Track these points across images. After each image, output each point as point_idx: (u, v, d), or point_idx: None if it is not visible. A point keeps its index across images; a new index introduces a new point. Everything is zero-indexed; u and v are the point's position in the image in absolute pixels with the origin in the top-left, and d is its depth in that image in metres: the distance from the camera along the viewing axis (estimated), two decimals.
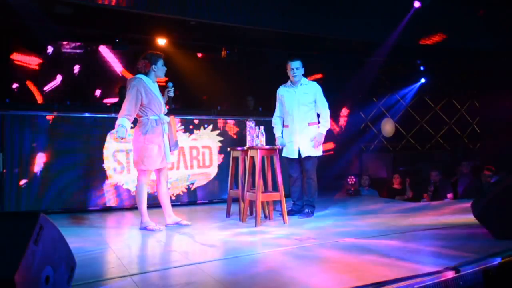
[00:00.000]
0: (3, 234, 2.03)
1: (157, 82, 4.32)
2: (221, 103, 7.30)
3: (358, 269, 2.76)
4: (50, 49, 8.11)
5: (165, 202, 4.37)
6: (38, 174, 5.23)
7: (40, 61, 7.90)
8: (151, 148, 4.10)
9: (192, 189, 6.08)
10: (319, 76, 8.71)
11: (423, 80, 9.81)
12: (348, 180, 7.73)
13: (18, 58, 7.67)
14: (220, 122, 6.32)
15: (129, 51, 7.71)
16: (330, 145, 8.62)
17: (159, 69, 4.22)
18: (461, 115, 10.66)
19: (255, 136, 4.54)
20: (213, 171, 6.22)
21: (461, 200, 6.45)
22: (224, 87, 8.20)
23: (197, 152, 6.14)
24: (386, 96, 9.84)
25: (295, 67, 4.78)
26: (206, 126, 6.20)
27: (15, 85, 7.73)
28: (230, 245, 3.59)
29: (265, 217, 4.73)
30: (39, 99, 7.83)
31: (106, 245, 3.64)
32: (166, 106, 4.35)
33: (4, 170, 5.05)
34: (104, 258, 3.26)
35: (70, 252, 2.37)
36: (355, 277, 2.57)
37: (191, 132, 6.11)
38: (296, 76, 4.80)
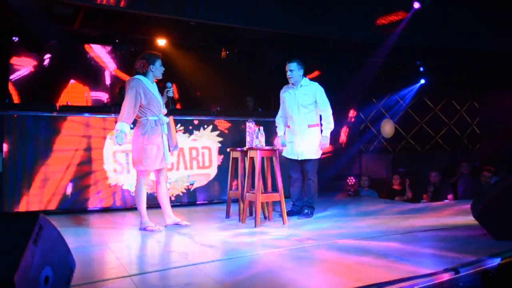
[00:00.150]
0: (3, 234, 2.03)
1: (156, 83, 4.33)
2: (221, 103, 7.30)
3: (358, 270, 2.76)
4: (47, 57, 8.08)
5: (165, 202, 4.37)
6: (37, 174, 5.22)
7: (36, 63, 7.88)
8: (150, 149, 4.10)
9: (191, 189, 6.08)
10: (316, 73, 8.72)
11: (422, 81, 9.81)
12: (348, 181, 7.73)
13: (16, 61, 7.65)
14: (220, 122, 6.31)
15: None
16: (329, 147, 8.62)
17: (157, 69, 4.21)
18: (461, 115, 10.67)
19: (255, 137, 4.54)
20: (212, 171, 6.22)
21: (461, 201, 6.45)
22: (224, 87, 8.20)
23: (196, 153, 6.14)
24: (385, 97, 9.84)
25: (290, 69, 4.76)
26: (205, 126, 6.20)
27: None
28: (230, 246, 3.59)
29: (265, 217, 4.73)
30: (16, 99, 7.68)
31: (105, 246, 3.64)
32: (165, 106, 4.35)
33: (4, 171, 5.05)
34: (103, 259, 3.26)
35: (69, 253, 2.37)
36: (354, 279, 2.57)
37: (190, 132, 6.10)
38: (291, 78, 4.78)
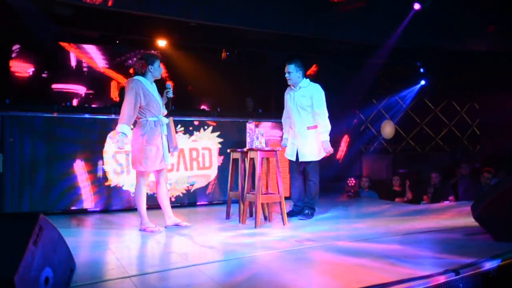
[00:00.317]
0: (3, 235, 2.04)
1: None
2: (221, 104, 7.29)
3: (357, 272, 2.76)
4: None
5: (165, 203, 4.37)
6: (37, 175, 5.22)
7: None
8: (150, 150, 4.10)
9: (191, 190, 6.08)
10: (314, 68, 8.72)
11: (423, 82, 9.81)
12: (348, 182, 7.72)
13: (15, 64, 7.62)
14: (220, 123, 6.31)
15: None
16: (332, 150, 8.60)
17: (156, 69, 4.22)
18: (461, 117, 10.67)
19: (255, 137, 4.54)
20: (213, 172, 6.22)
21: (461, 202, 6.46)
22: (224, 88, 8.19)
23: (197, 154, 6.14)
24: (386, 98, 9.85)
25: (288, 70, 4.76)
26: (206, 127, 6.20)
27: None
28: (230, 247, 3.59)
29: (265, 218, 4.73)
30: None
31: (105, 247, 3.64)
32: (165, 107, 4.35)
33: (4, 171, 5.05)
34: (103, 260, 3.25)
35: (69, 253, 2.37)
36: (354, 280, 2.57)
37: (191, 133, 6.11)
38: (289, 80, 4.79)
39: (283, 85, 4.99)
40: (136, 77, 4.15)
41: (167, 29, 6.95)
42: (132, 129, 4.19)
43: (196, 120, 6.16)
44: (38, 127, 5.25)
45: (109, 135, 5.59)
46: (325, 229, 4.26)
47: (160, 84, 4.42)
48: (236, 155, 4.89)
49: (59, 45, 7.85)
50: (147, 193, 4.39)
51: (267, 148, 4.53)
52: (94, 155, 5.51)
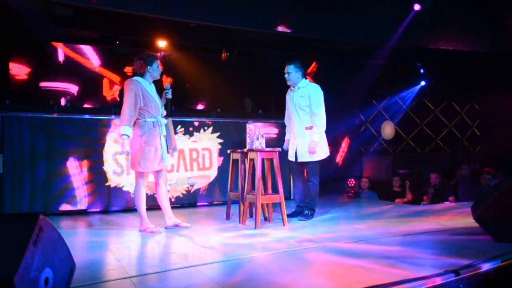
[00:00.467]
0: (3, 235, 2.03)
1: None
2: (221, 105, 7.30)
3: (357, 272, 2.76)
4: None
5: (165, 204, 4.37)
6: (37, 175, 5.22)
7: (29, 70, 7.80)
8: (149, 150, 4.09)
9: (191, 191, 6.08)
10: (314, 64, 8.72)
11: (423, 83, 9.82)
12: (348, 182, 7.73)
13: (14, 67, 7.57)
14: (220, 124, 6.31)
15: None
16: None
17: (155, 70, 4.21)
18: (461, 117, 10.68)
19: (255, 138, 4.54)
20: (213, 173, 6.22)
21: (461, 203, 6.45)
22: (224, 89, 8.19)
23: (197, 154, 6.14)
24: (386, 99, 9.85)
25: (287, 71, 4.78)
26: (206, 128, 6.20)
27: None
28: (230, 248, 3.59)
29: (265, 219, 4.73)
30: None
31: (105, 247, 3.64)
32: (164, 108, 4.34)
33: (4, 171, 5.05)
34: (103, 260, 3.25)
35: (69, 254, 2.37)
36: (355, 281, 2.57)
37: (191, 134, 6.11)
38: (288, 80, 4.81)
39: (283, 86, 5.00)
40: (134, 77, 4.15)
41: (168, 30, 6.95)
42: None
43: (196, 121, 6.16)
44: (38, 128, 5.26)
45: (109, 135, 5.59)
46: (325, 230, 4.26)
47: (159, 84, 4.42)
48: (236, 155, 4.89)
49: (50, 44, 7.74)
50: (147, 194, 4.39)
51: (267, 149, 4.52)
52: (94, 155, 5.51)
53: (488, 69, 9.26)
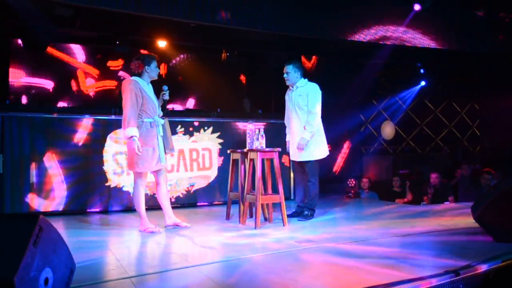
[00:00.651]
0: (3, 235, 2.04)
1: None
2: (221, 105, 7.30)
3: (357, 273, 2.76)
4: None
5: (165, 203, 4.37)
6: (37, 175, 5.23)
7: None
8: (146, 150, 4.09)
9: (191, 191, 6.08)
10: (314, 59, 8.72)
11: (423, 83, 9.81)
12: (348, 182, 7.72)
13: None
14: (220, 124, 6.31)
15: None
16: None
17: (152, 70, 4.21)
18: (461, 117, 10.68)
19: (255, 138, 4.54)
20: (213, 173, 6.22)
21: (461, 203, 6.45)
22: (224, 89, 8.19)
23: (197, 155, 6.14)
24: (386, 99, 9.85)
25: (286, 71, 4.80)
26: (206, 128, 6.20)
27: None
28: (230, 248, 3.59)
29: (265, 219, 4.73)
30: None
31: (105, 247, 3.64)
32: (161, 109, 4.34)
33: (4, 171, 5.05)
34: (103, 260, 3.25)
35: (69, 254, 2.37)
36: (356, 280, 2.57)
37: (191, 134, 6.11)
38: (287, 80, 4.83)
39: (283, 86, 5.00)
40: (133, 77, 4.15)
41: (168, 30, 6.95)
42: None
43: (196, 121, 6.16)
44: (38, 128, 5.26)
45: (109, 135, 5.59)
46: (325, 230, 4.26)
47: (157, 82, 4.42)
48: (236, 155, 4.89)
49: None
50: (147, 194, 4.39)
51: (267, 149, 4.52)
52: (94, 156, 5.51)
53: (488, 69, 9.25)
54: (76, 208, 5.39)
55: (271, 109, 8.23)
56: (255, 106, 7.89)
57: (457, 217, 4.86)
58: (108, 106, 5.87)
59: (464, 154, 10.45)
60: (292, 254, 3.31)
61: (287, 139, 5.07)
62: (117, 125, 5.55)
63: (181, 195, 6.00)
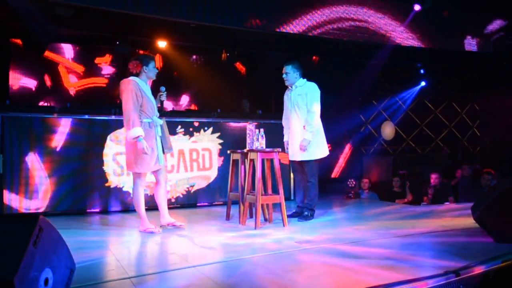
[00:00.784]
0: (3, 236, 2.03)
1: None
2: (221, 105, 7.30)
3: (358, 273, 2.76)
4: None
5: (162, 203, 4.37)
6: (37, 176, 5.23)
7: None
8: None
9: (191, 191, 6.08)
10: (314, 58, 8.72)
11: (423, 83, 9.82)
12: (348, 183, 7.72)
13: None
14: (220, 124, 6.31)
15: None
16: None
17: (151, 70, 4.21)
18: (461, 118, 10.68)
19: (255, 138, 4.54)
20: (213, 173, 6.21)
21: (461, 203, 6.45)
22: (224, 89, 8.19)
23: (197, 155, 6.14)
24: (386, 99, 9.85)
25: (285, 71, 4.82)
26: (206, 128, 6.20)
27: None
28: (230, 248, 3.59)
29: (265, 219, 4.73)
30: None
31: (105, 248, 3.64)
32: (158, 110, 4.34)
33: (4, 172, 5.05)
34: (103, 261, 3.25)
35: (69, 254, 2.37)
36: (355, 281, 2.57)
37: (191, 134, 6.10)
38: (286, 80, 4.84)
39: (283, 87, 5.00)
40: (131, 77, 4.14)
41: (168, 30, 6.95)
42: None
43: (196, 121, 6.16)
44: (38, 128, 5.26)
45: (109, 135, 5.59)
46: (325, 231, 4.25)
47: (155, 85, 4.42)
48: (236, 156, 4.89)
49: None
50: (147, 195, 4.38)
51: (267, 149, 4.52)
52: (94, 156, 5.51)
53: (488, 69, 9.26)
54: (76, 208, 5.39)
55: (271, 109, 8.23)
56: (254, 106, 7.89)
57: (457, 218, 4.86)
58: (98, 105, 5.80)
59: (464, 154, 10.45)
60: (292, 254, 3.31)
61: (285, 140, 5.07)
62: (117, 125, 5.55)
63: (181, 196, 6.00)
